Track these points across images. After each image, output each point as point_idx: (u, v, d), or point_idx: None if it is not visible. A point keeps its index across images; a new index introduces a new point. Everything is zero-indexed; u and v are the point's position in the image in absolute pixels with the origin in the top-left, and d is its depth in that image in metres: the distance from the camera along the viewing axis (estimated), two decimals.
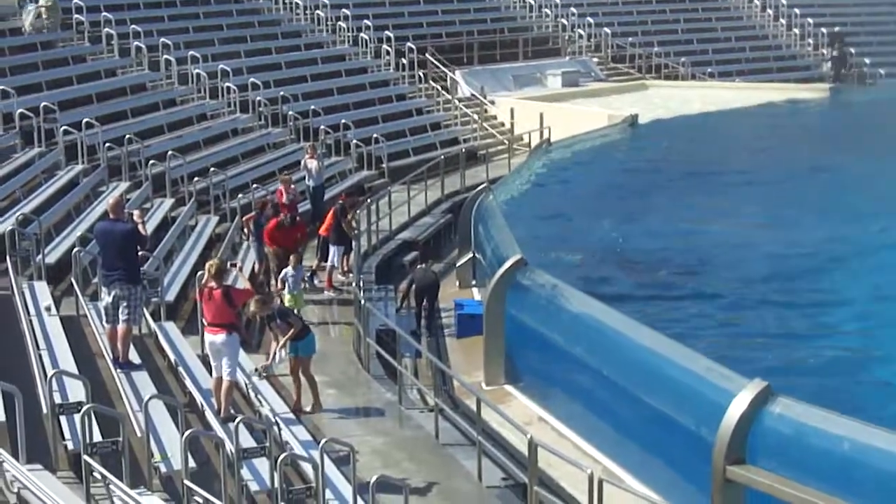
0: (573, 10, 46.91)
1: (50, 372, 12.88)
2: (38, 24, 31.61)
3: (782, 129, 39.91)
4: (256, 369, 16.41)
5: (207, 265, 15.24)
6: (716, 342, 18.20)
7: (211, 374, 15.06)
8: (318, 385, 16.32)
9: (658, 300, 21.41)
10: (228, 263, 17.24)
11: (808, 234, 25.28)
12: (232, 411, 14.47)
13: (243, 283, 18.42)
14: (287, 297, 19.36)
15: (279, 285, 20.08)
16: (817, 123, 41.66)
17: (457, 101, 39.01)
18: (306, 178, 26.85)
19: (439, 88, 39.46)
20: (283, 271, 20.01)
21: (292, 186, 24.80)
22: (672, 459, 14.20)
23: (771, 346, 18.70)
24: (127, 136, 26.89)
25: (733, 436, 12.34)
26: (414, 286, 21.52)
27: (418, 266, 22.34)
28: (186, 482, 11.20)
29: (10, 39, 30.94)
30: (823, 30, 49.87)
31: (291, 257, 20.16)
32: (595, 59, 45.59)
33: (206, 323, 14.85)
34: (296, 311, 18.07)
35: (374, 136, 33.17)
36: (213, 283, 14.70)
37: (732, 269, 23.16)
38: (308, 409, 15.99)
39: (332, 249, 22.80)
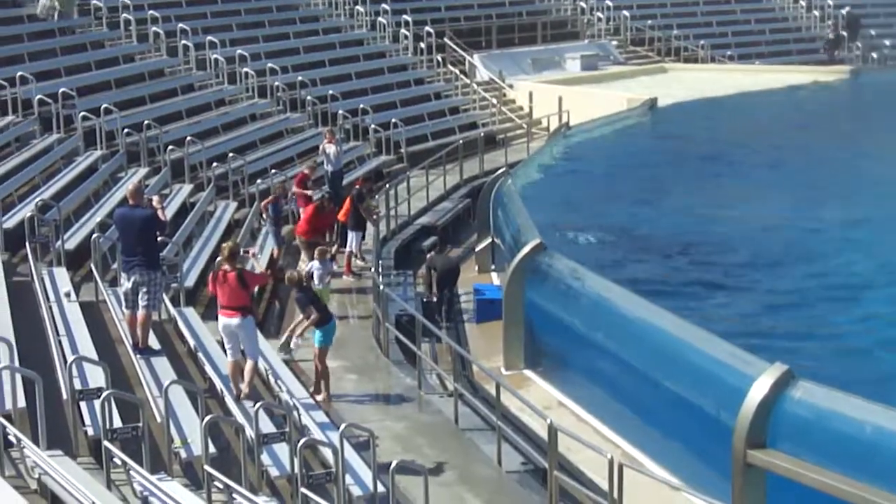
0: None
1: (70, 358, 12.91)
2: (51, 3, 31.56)
3: (802, 112, 39.76)
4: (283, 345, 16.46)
5: (222, 247, 15.29)
6: (738, 330, 18.11)
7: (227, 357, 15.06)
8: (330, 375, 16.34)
9: (680, 285, 21.35)
10: (242, 251, 17.24)
11: (832, 218, 25.13)
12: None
13: (259, 270, 18.49)
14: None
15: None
16: (837, 106, 41.44)
17: (475, 86, 38.92)
18: (325, 163, 26.83)
19: (457, 73, 39.38)
20: (310, 264, 19.76)
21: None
22: (693, 444, 14.17)
23: (796, 334, 18.61)
24: (145, 122, 26.90)
25: (754, 420, 12.31)
26: (436, 272, 21.51)
27: (434, 252, 22.35)
28: (207, 467, 11.21)
29: (28, 26, 30.97)
30: (843, 11, 49.58)
31: (317, 250, 19.87)
32: (614, 43, 45.44)
33: (220, 306, 14.84)
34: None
35: (393, 120, 33.14)
36: (226, 266, 14.71)
37: (756, 255, 23.01)
38: (319, 397, 15.95)
39: (351, 235, 22.81)
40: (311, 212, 21.67)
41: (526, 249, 18.26)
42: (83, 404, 12.32)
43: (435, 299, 21.37)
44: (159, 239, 16.28)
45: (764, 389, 12.38)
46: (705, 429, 13.66)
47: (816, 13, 49.90)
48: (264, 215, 23.24)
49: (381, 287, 18.80)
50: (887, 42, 49.07)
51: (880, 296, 20.34)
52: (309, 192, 24.16)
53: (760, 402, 12.34)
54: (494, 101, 38.14)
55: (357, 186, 23.73)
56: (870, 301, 20.29)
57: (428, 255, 22.53)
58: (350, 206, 22.93)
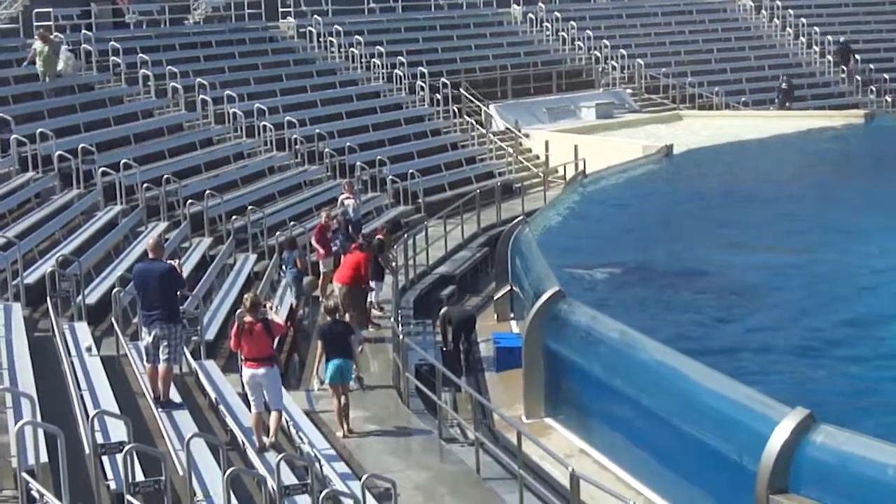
0: (606, 42, 46.97)
1: (92, 412, 12.96)
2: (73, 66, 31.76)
3: (818, 157, 39.76)
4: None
5: (244, 299, 15.38)
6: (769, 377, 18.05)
7: (250, 409, 15.09)
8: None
9: (699, 328, 21.31)
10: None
11: (850, 261, 25.10)
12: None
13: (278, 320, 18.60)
14: None
15: None
16: (853, 150, 41.45)
17: (491, 135, 39.07)
18: (343, 214, 26.92)
19: (474, 123, 39.54)
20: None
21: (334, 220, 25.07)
22: (714, 489, 14.13)
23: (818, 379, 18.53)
24: (164, 176, 27.06)
25: (776, 465, 12.30)
26: (452, 325, 21.48)
27: (448, 305, 22.32)
28: None
29: (47, 83, 31.21)
30: (858, 56, 49.68)
31: (349, 316, 19.24)
32: (629, 91, 45.57)
33: (245, 357, 14.90)
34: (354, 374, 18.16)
35: (410, 171, 33.29)
36: (250, 317, 14.79)
37: (777, 303, 22.92)
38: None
39: (372, 285, 22.73)
40: (363, 259, 21.46)
41: (544, 297, 18.29)
42: (105, 458, 12.34)
43: (451, 348, 21.35)
44: (179, 293, 16.36)
45: (786, 434, 12.37)
46: (727, 474, 13.63)
47: (830, 58, 50.00)
48: (283, 267, 23.29)
49: (401, 337, 18.84)
50: None
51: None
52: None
53: (782, 447, 12.32)
54: (510, 150, 38.27)
55: (379, 237, 23.79)
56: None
57: (442, 310, 22.43)
58: (370, 256, 22.91)
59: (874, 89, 48.84)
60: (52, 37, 31.65)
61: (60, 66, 31.23)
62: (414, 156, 35.85)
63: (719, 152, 38.21)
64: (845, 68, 49.18)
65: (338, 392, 16.54)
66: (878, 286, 23.38)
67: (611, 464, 16.11)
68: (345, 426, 16.47)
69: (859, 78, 48.79)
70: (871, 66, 49.48)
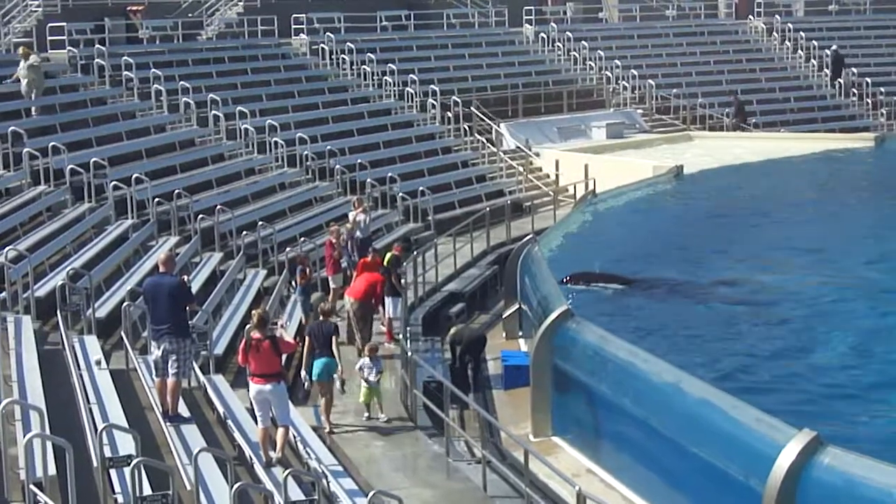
0: (617, 62, 47.04)
1: (100, 425, 12.98)
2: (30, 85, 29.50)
3: (828, 179, 39.74)
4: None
5: (252, 315, 15.45)
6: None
7: (257, 424, 15.12)
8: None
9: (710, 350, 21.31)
10: (271, 321, 17.54)
11: (860, 282, 25.08)
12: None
13: (288, 339, 18.78)
14: (364, 391, 18.42)
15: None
16: (864, 173, 41.43)
17: (502, 154, 39.15)
18: (354, 230, 26.98)
19: (484, 141, 39.61)
20: (360, 361, 18.70)
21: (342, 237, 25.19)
22: None
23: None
24: (176, 191, 27.13)
25: (782, 487, 12.29)
26: (461, 346, 21.41)
27: (457, 327, 22.28)
28: None
29: (60, 97, 31.38)
30: (868, 80, 49.65)
31: (367, 347, 19.28)
32: (639, 111, 45.60)
33: (252, 373, 14.95)
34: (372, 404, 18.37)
35: (420, 188, 33.34)
36: (258, 334, 14.84)
37: (786, 319, 22.93)
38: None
39: (389, 300, 22.73)
40: (379, 278, 21.89)
41: (553, 316, 18.30)
42: (113, 472, 12.37)
43: (458, 365, 21.34)
44: (188, 308, 16.42)
45: (792, 456, 12.36)
46: (734, 495, 13.62)
47: (841, 81, 50.02)
48: (293, 282, 23.36)
49: (409, 354, 18.86)
50: None
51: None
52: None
53: (789, 469, 12.32)
54: (521, 169, 38.34)
55: (395, 253, 23.87)
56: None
57: (451, 332, 22.28)
58: (387, 272, 22.97)
59: (885, 112, 48.83)
60: (31, 53, 30.78)
61: (23, 85, 29.55)
62: (424, 173, 35.91)
63: (729, 173, 38.20)
64: (839, 80, 49.27)
65: (324, 389, 17.55)
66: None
67: (618, 483, 16.10)
68: (327, 422, 17.53)
69: (868, 98, 48.79)
70: (882, 89, 49.44)
